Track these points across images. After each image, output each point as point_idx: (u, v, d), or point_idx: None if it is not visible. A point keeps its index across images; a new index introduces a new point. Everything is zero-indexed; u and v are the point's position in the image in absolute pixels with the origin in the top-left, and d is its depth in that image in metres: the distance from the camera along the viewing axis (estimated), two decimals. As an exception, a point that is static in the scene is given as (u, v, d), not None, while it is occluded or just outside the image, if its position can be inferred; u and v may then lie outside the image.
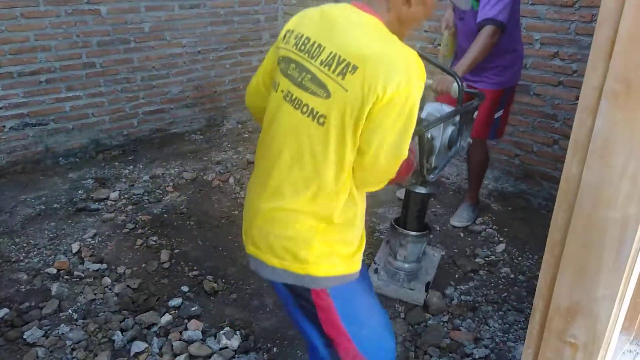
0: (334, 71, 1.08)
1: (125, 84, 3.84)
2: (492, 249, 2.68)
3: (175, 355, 1.96)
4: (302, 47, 1.15)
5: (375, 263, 2.41)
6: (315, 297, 1.23)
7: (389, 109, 1.06)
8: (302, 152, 1.14)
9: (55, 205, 3.05)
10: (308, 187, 1.16)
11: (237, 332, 2.07)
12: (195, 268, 2.51)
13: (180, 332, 2.07)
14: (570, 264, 1.13)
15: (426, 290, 2.27)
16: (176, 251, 2.64)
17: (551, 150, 3.17)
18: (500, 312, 2.22)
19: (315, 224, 1.18)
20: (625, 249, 1.04)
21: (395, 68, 1.05)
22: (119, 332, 2.05)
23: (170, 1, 3.88)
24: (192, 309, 2.20)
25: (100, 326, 2.09)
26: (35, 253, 2.59)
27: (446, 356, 1.98)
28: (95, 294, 2.28)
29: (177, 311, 2.20)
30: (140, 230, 2.81)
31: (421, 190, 2.03)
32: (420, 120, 1.79)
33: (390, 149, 1.11)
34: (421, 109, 1.83)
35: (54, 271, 2.42)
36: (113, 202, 3.09)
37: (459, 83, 1.90)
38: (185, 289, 2.34)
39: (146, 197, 3.17)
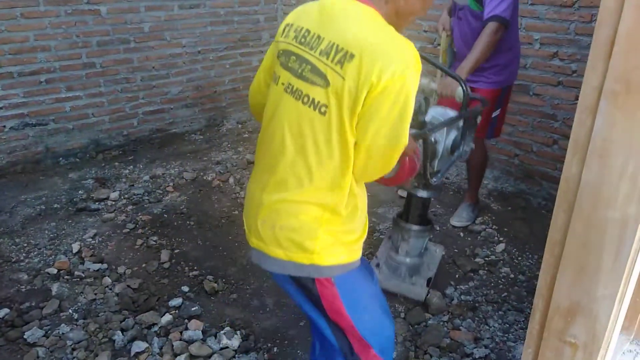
0: (332, 60, 1.10)
1: (125, 84, 3.84)
2: (492, 249, 2.68)
3: (176, 355, 1.96)
4: (302, 40, 1.17)
5: (376, 258, 2.41)
6: (320, 286, 1.25)
7: (383, 97, 1.07)
8: (305, 142, 1.16)
9: (55, 205, 3.05)
10: (312, 177, 1.17)
11: (238, 332, 2.07)
12: (195, 268, 2.51)
13: (181, 332, 2.07)
14: (570, 263, 1.13)
15: (427, 285, 2.27)
16: (176, 251, 2.64)
17: (551, 150, 3.17)
18: (500, 312, 2.22)
19: (319, 214, 1.19)
20: (625, 249, 1.04)
21: (391, 57, 1.06)
22: (119, 332, 2.05)
23: (170, 1, 3.88)
24: (193, 308, 2.20)
25: (101, 326, 2.09)
26: (35, 253, 2.59)
27: (446, 356, 1.98)
28: (95, 294, 2.28)
29: (177, 311, 2.20)
30: (140, 230, 2.81)
31: (423, 194, 2.04)
32: (424, 124, 1.80)
33: (386, 138, 1.12)
34: (425, 112, 1.84)
35: (55, 271, 2.43)
36: (113, 202, 3.09)
37: (464, 88, 1.90)
38: (185, 288, 2.35)
39: (146, 197, 3.17)
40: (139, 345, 1.98)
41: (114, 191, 3.21)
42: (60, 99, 3.57)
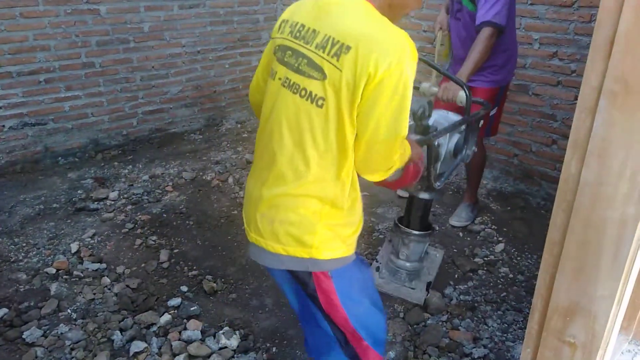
0: (328, 53, 1.11)
1: (124, 83, 3.84)
2: (491, 249, 2.68)
3: (175, 355, 1.96)
4: (298, 34, 1.19)
5: (377, 261, 2.42)
6: (316, 280, 1.27)
7: (382, 88, 1.08)
8: (303, 136, 1.17)
9: (54, 205, 3.05)
10: (310, 170, 1.18)
11: (237, 332, 2.07)
12: (194, 268, 2.51)
13: (180, 332, 2.07)
14: (569, 263, 1.13)
15: (427, 289, 2.27)
16: (175, 251, 2.64)
17: (550, 150, 3.17)
18: (499, 312, 2.22)
19: (319, 208, 1.21)
20: (624, 249, 1.04)
21: (387, 48, 1.07)
22: (118, 332, 2.05)
23: (169, 1, 3.87)
24: (192, 308, 2.20)
25: (100, 326, 2.09)
26: (34, 253, 2.58)
27: (445, 356, 1.98)
28: (94, 294, 2.28)
29: (176, 311, 2.20)
30: (139, 230, 2.81)
31: (424, 196, 2.04)
32: (428, 128, 1.81)
33: (386, 130, 1.13)
34: (429, 116, 1.85)
35: (53, 271, 2.42)
36: (112, 202, 3.09)
37: (467, 92, 1.91)
38: (184, 288, 2.34)
39: (145, 197, 3.17)
40: (137, 345, 1.98)
41: (113, 191, 3.21)
42: (59, 98, 3.57)
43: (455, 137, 1.93)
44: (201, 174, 3.50)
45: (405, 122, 1.15)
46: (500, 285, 2.40)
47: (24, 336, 2.02)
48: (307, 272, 1.26)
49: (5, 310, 2.16)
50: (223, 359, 1.94)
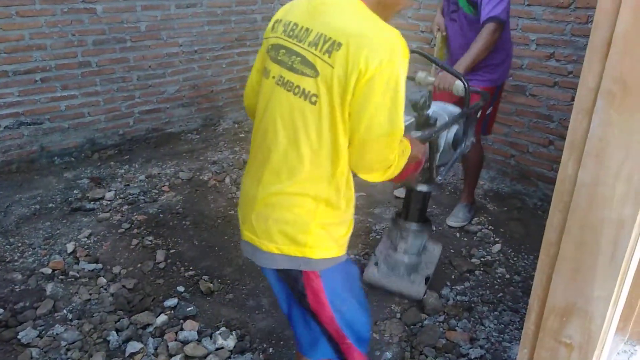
0: (320, 50, 1.13)
1: (121, 83, 3.83)
2: (487, 249, 2.68)
3: (171, 356, 1.95)
4: (291, 33, 1.20)
5: (375, 256, 2.42)
6: (306, 278, 1.28)
7: (373, 85, 1.09)
8: (297, 134, 1.18)
9: (50, 205, 3.04)
10: (305, 167, 1.18)
11: (233, 333, 2.07)
12: (191, 268, 2.50)
13: (176, 333, 2.06)
14: (566, 264, 1.13)
15: (426, 283, 2.27)
16: (172, 251, 2.63)
17: (547, 150, 3.18)
18: (495, 312, 2.22)
19: (314, 207, 1.21)
20: (621, 250, 1.04)
21: (378, 44, 1.08)
22: (114, 333, 2.04)
23: (166, 0, 3.86)
24: (188, 309, 2.19)
25: (95, 326, 2.08)
26: (30, 253, 2.57)
27: (442, 356, 1.98)
28: (90, 294, 2.27)
29: (172, 311, 2.19)
30: (135, 230, 2.80)
31: (423, 188, 2.05)
32: (428, 118, 1.81)
33: (380, 127, 1.13)
34: (429, 107, 1.85)
35: (49, 271, 2.41)
36: (108, 202, 3.08)
37: (465, 83, 1.91)
38: (181, 289, 2.34)
39: (142, 197, 3.16)
40: (133, 346, 1.98)
41: (109, 191, 3.19)
42: (55, 98, 3.55)
43: (454, 129, 1.93)
44: (198, 174, 3.50)
45: (400, 119, 1.15)
46: (497, 286, 2.40)
47: (19, 337, 2.01)
48: (298, 270, 1.27)
49: (0, 310, 2.15)
50: (220, 359, 1.94)
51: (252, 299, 2.29)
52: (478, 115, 2.01)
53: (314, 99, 1.14)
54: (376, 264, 2.37)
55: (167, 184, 3.34)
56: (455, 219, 2.90)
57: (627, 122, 0.96)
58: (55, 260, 2.49)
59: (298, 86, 1.16)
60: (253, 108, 1.39)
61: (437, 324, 2.14)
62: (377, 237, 2.77)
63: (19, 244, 2.64)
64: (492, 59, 2.48)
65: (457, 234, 2.83)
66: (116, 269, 2.45)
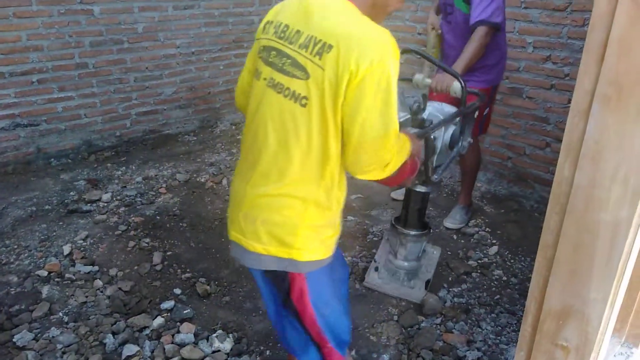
0: (311, 52, 1.13)
1: (118, 84, 3.82)
2: (485, 251, 2.68)
3: (168, 359, 1.94)
4: (282, 35, 1.21)
5: (375, 261, 2.43)
6: (292, 280, 1.29)
7: (365, 86, 1.09)
8: (287, 135, 1.18)
9: (46, 207, 3.03)
10: (294, 169, 1.19)
11: (230, 335, 2.06)
12: (187, 270, 2.49)
13: (173, 335, 2.05)
14: (563, 266, 1.14)
15: (426, 288, 2.28)
16: (169, 253, 2.62)
17: (543, 153, 3.19)
18: (492, 315, 2.22)
19: (303, 209, 1.21)
20: (617, 252, 1.05)
21: (368, 46, 1.09)
22: (110, 335, 2.03)
23: (164, 2, 3.86)
24: (185, 311, 2.18)
25: (92, 329, 2.07)
26: (25, 255, 2.56)
27: (439, 359, 1.98)
28: (86, 297, 2.26)
29: (169, 314, 2.18)
30: (132, 232, 2.79)
31: (421, 189, 2.05)
32: (424, 122, 1.81)
33: (374, 128, 1.13)
34: (424, 110, 1.85)
35: (45, 273, 2.40)
36: (105, 204, 3.07)
37: (462, 83, 1.92)
38: (177, 291, 2.33)
39: (139, 199, 3.15)
40: (130, 349, 1.96)
41: (106, 192, 3.18)
42: (52, 99, 3.54)
43: (451, 129, 1.93)
44: (195, 175, 3.49)
45: (394, 119, 1.15)
46: (494, 288, 2.40)
47: (14, 340, 2.00)
48: (284, 271, 1.27)
49: (-5, 313, 2.14)
50: (216, 362, 1.93)
51: (249, 302, 2.28)
52: (475, 115, 2.02)
53: (304, 101, 1.14)
54: (376, 269, 2.38)
55: (164, 185, 3.33)
56: (453, 220, 2.90)
57: (622, 125, 0.96)
58: (52, 262, 2.48)
59: (288, 88, 1.16)
60: (244, 108, 1.40)
61: (434, 326, 2.14)
62: (375, 239, 2.76)
63: (15, 246, 2.63)
64: (487, 59, 2.49)
65: (454, 236, 2.83)
66: (113, 271, 2.44)
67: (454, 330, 2.12)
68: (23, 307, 2.19)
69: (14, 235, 2.73)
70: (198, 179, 3.44)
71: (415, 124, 1.79)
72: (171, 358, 1.94)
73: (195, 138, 4.19)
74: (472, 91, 2.12)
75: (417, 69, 3.21)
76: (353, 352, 1.97)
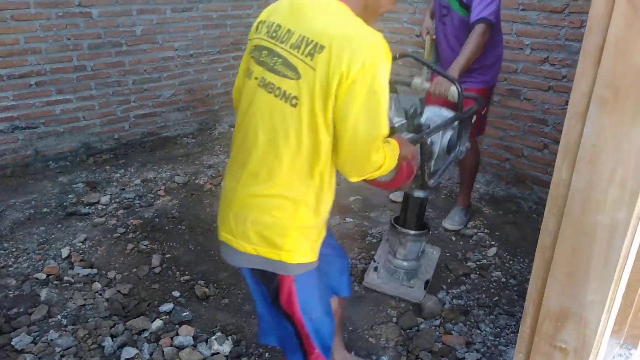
0: (302, 52, 1.13)
1: (116, 87, 3.82)
2: (483, 253, 2.69)
3: (166, 361, 1.94)
4: (274, 35, 1.21)
5: (375, 261, 2.43)
6: (281, 281, 1.29)
7: (356, 88, 1.09)
8: (277, 135, 1.18)
9: (45, 210, 3.02)
10: (283, 169, 1.19)
11: (229, 338, 2.06)
12: (186, 273, 2.49)
13: (171, 338, 2.05)
14: (560, 268, 1.14)
15: (425, 288, 2.28)
16: (167, 256, 2.62)
17: (541, 154, 3.19)
18: (491, 316, 2.22)
19: (293, 210, 1.22)
20: (614, 254, 1.05)
21: (360, 47, 1.08)
22: (109, 338, 2.02)
23: (162, 4, 3.86)
24: (184, 314, 2.18)
25: (90, 332, 2.07)
26: (24, 258, 2.55)
27: (438, 360, 1.98)
28: (85, 300, 2.26)
29: (168, 316, 2.18)
30: (131, 235, 2.79)
31: (420, 194, 2.06)
32: (421, 126, 1.81)
33: (365, 130, 1.13)
34: (421, 114, 1.85)
35: (43, 276, 2.39)
36: (104, 206, 3.07)
37: (459, 88, 1.92)
38: (176, 294, 2.33)
39: (137, 201, 3.15)
40: (128, 352, 1.96)
41: (104, 195, 3.18)
42: (50, 102, 3.54)
43: (449, 134, 1.93)
44: (194, 178, 3.49)
45: (384, 121, 1.16)
46: (492, 289, 2.41)
47: (13, 343, 1.99)
48: (273, 273, 1.28)
49: (-6, 316, 2.13)
50: (215, 364, 1.93)
51: (248, 304, 2.28)
52: (473, 120, 2.02)
53: (294, 101, 1.14)
54: (376, 269, 2.38)
55: (162, 188, 3.33)
56: (452, 222, 2.91)
57: (619, 127, 0.96)
58: (50, 265, 2.48)
59: (279, 88, 1.16)
60: None
61: (433, 327, 2.14)
62: (374, 240, 2.77)
63: (13, 249, 2.62)
64: (484, 60, 2.51)
65: (453, 238, 2.83)
66: (111, 274, 2.44)
67: (453, 331, 2.12)
68: (21, 310, 2.19)
69: (13, 238, 2.73)
70: (196, 182, 3.44)
71: (412, 128, 1.80)
72: (170, 361, 1.94)
73: (193, 140, 4.19)
74: (470, 95, 2.12)
75: (416, 72, 3.21)
76: (352, 354, 1.96)
